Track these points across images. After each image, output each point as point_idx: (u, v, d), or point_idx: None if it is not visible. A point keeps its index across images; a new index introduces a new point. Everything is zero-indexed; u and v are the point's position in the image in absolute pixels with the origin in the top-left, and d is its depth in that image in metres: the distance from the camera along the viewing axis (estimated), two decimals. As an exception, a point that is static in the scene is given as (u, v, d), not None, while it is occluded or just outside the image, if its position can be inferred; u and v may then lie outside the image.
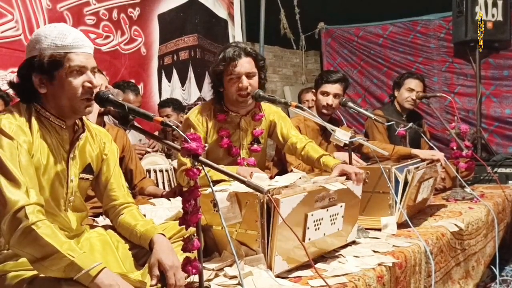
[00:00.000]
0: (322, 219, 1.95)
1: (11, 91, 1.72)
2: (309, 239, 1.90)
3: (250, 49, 2.44)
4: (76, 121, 1.70)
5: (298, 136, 2.62)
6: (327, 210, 1.97)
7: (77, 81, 1.58)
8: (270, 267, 1.78)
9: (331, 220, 2.01)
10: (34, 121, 1.57)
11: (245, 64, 2.40)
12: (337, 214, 2.04)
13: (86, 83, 1.59)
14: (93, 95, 1.61)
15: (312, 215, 1.89)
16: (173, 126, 1.53)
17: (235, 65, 2.38)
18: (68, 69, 1.56)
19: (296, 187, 1.89)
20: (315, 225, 1.92)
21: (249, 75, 2.41)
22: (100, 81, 2.55)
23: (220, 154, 2.54)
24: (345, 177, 2.16)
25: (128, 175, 2.86)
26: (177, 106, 4.33)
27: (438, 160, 2.98)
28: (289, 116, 2.85)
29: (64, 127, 1.63)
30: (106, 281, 1.38)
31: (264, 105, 2.67)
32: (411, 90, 3.77)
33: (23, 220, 1.40)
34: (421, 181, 2.64)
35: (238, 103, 2.47)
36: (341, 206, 2.05)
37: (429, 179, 2.79)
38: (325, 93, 3.25)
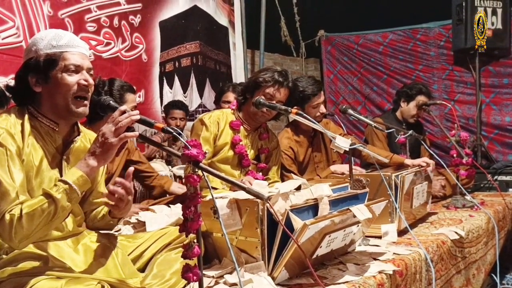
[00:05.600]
0: (336, 238, 1.90)
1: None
2: (317, 255, 1.87)
3: (292, 84, 2.72)
4: (71, 126, 1.70)
5: (274, 176, 2.87)
6: (344, 230, 1.92)
7: (72, 79, 1.59)
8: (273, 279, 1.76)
9: (343, 239, 1.97)
10: (26, 123, 1.58)
11: (283, 94, 2.68)
12: (351, 232, 2.00)
13: (81, 81, 1.60)
14: (88, 94, 1.62)
15: (329, 236, 1.84)
16: (174, 133, 1.53)
17: (278, 90, 2.65)
18: (64, 68, 1.58)
19: (325, 210, 1.89)
20: (328, 244, 1.88)
21: (279, 102, 2.67)
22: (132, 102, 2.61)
23: (231, 160, 2.70)
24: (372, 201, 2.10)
25: (142, 178, 2.94)
26: (187, 113, 4.39)
27: (428, 165, 2.97)
28: (288, 121, 2.89)
29: (56, 129, 1.63)
30: (83, 168, 1.51)
31: (271, 131, 2.96)
32: (422, 108, 3.76)
33: (7, 218, 1.41)
34: (413, 186, 2.64)
35: (256, 116, 2.71)
36: (358, 226, 2.01)
37: (421, 183, 2.79)
38: (317, 106, 3.08)
